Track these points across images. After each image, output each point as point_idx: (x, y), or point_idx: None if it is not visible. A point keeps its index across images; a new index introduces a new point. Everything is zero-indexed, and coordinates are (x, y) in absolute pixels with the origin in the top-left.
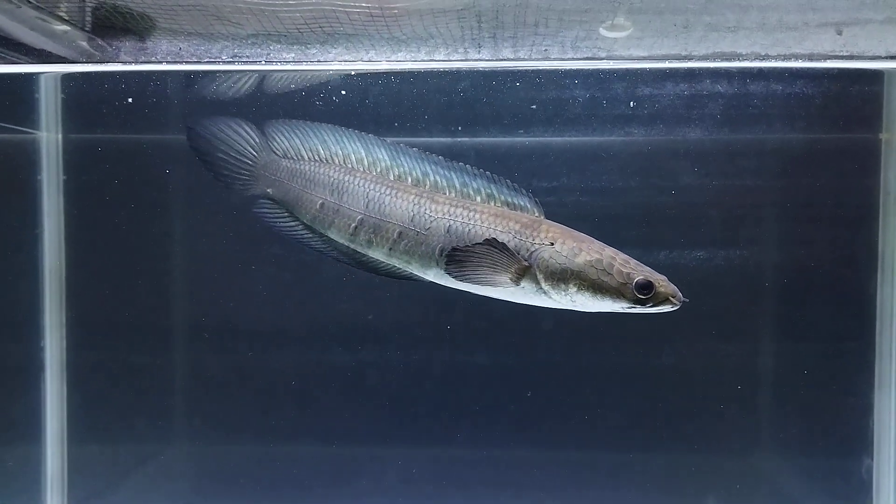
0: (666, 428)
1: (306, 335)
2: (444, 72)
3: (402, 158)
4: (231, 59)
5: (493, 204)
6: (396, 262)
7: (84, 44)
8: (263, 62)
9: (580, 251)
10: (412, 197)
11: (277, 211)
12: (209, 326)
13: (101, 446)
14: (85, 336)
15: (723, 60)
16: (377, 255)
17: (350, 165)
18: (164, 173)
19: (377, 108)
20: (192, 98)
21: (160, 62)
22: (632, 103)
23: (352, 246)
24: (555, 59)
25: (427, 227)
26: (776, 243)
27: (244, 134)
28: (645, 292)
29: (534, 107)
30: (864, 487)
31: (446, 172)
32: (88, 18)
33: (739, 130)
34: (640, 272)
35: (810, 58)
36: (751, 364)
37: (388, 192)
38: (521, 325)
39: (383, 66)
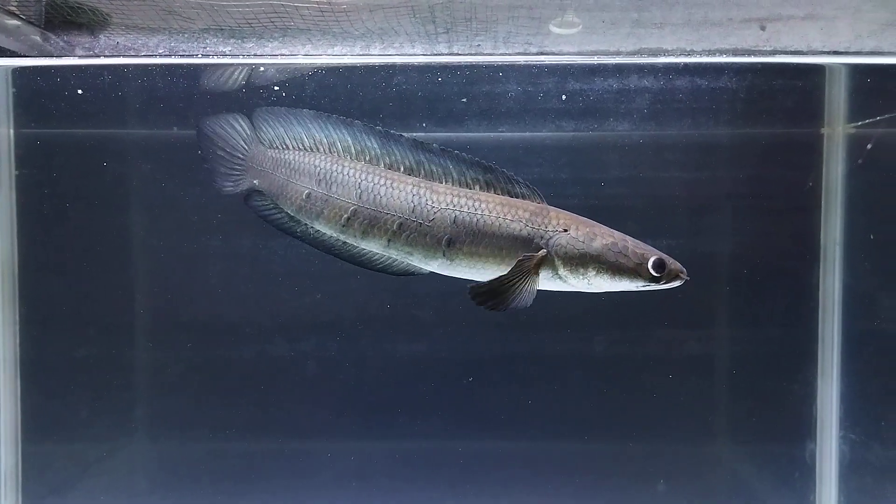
0: (615, 416)
1: (264, 330)
2: (382, 66)
3: (393, 146)
4: (168, 53)
5: (493, 192)
6: (395, 254)
7: (36, 38)
8: (200, 56)
9: (595, 235)
10: (410, 187)
11: (265, 203)
12: (166, 322)
13: (57, 444)
14: (39, 332)
15: (650, 56)
16: (372, 246)
17: (336, 154)
18: (118, 167)
19: (314, 102)
20: (144, 92)
21: (98, 56)
22: (563, 96)
23: (342, 238)
24: (488, 55)
25: (431, 218)
26: (717, 236)
27: (239, 128)
28: (660, 270)
29: (464, 100)
30: (808, 471)
31: (441, 161)
32: (40, 13)
33: (669, 125)
34: (652, 252)
35: (734, 53)
36: (698, 354)
37: (382, 181)
38: (475, 317)
39: (322, 60)
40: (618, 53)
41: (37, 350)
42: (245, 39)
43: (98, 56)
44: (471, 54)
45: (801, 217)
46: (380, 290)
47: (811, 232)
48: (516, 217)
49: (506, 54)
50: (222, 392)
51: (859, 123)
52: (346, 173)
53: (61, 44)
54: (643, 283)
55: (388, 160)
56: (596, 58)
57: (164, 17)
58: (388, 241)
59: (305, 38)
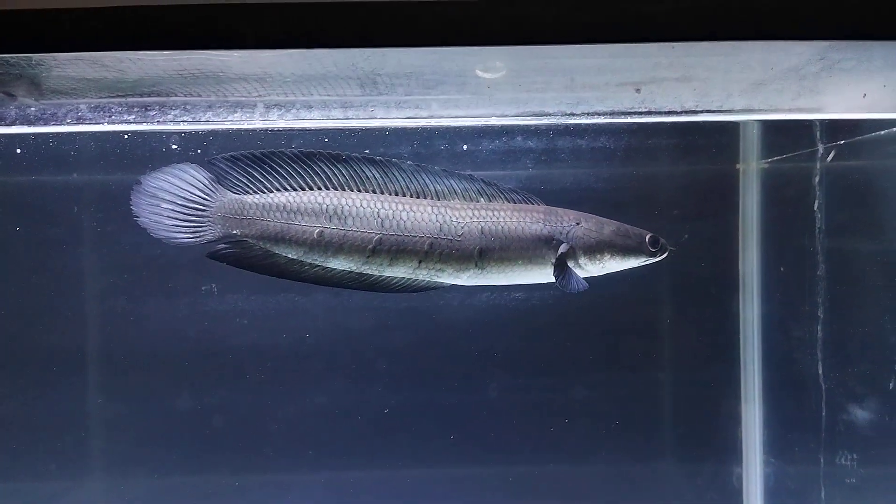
0: (548, 441)
1: (215, 363)
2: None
3: (395, 173)
4: (75, 122)
5: (499, 202)
6: (423, 275)
7: None
8: (105, 123)
9: (602, 224)
10: (430, 208)
11: (245, 251)
12: (114, 357)
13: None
14: None
15: (533, 117)
16: (400, 272)
17: (337, 188)
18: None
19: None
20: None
21: (9, 125)
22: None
23: (364, 269)
24: (380, 119)
25: (459, 233)
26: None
27: (190, 177)
28: (655, 245)
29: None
30: (735, 494)
31: (444, 181)
32: None
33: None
34: (644, 231)
35: (612, 114)
36: (630, 382)
37: (402, 207)
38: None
39: (224, 125)
40: (503, 116)
41: None
42: (149, 108)
43: (10, 126)
44: (364, 118)
45: (721, 248)
46: (344, 312)
47: (731, 262)
48: (535, 219)
49: (398, 118)
50: (172, 429)
51: (771, 160)
52: (360, 205)
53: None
54: (644, 259)
55: (393, 187)
56: (482, 120)
57: (66, 89)
58: (420, 262)
59: (206, 105)
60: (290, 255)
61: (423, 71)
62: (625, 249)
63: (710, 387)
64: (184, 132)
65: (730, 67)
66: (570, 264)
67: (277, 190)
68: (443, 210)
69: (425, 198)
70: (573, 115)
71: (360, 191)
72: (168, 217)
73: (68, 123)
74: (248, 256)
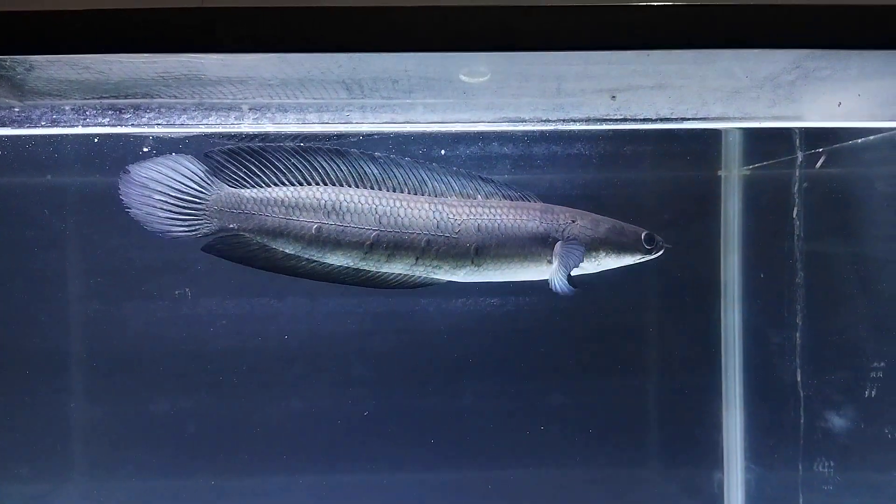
0: (528, 446)
1: (192, 367)
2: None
3: (394, 170)
4: (50, 125)
5: (496, 199)
6: (420, 271)
7: None
8: (80, 126)
9: (598, 221)
10: (427, 204)
11: (241, 245)
12: (88, 361)
13: None
14: None
15: (509, 123)
16: (397, 268)
17: (335, 184)
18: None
19: None
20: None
21: None
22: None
23: (362, 265)
24: (356, 123)
25: (456, 230)
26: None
27: (186, 169)
28: (651, 243)
29: None
30: (717, 499)
31: (442, 178)
32: None
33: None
34: (640, 228)
35: (587, 121)
36: (612, 387)
37: (400, 203)
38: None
39: (199, 129)
40: (479, 122)
41: None
42: (123, 111)
43: None
44: (340, 123)
45: (702, 254)
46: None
47: (713, 268)
48: (531, 216)
49: (374, 123)
50: (153, 432)
51: (753, 167)
52: (358, 201)
53: None
54: (640, 256)
55: (391, 184)
56: (459, 126)
57: (47, 90)
58: (417, 259)
59: (181, 108)
60: (287, 250)
61: (400, 76)
62: (620, 247)
63: (692, 392)
64: (157, 136)
65: (705, 75)
66: None
67: (275, 184)
68: (440, 207)
69: (423, 194)
70: (549, 121)
71: (358, 187)
72: (162, 209)
73: (43, 126)
74: (244, 251)
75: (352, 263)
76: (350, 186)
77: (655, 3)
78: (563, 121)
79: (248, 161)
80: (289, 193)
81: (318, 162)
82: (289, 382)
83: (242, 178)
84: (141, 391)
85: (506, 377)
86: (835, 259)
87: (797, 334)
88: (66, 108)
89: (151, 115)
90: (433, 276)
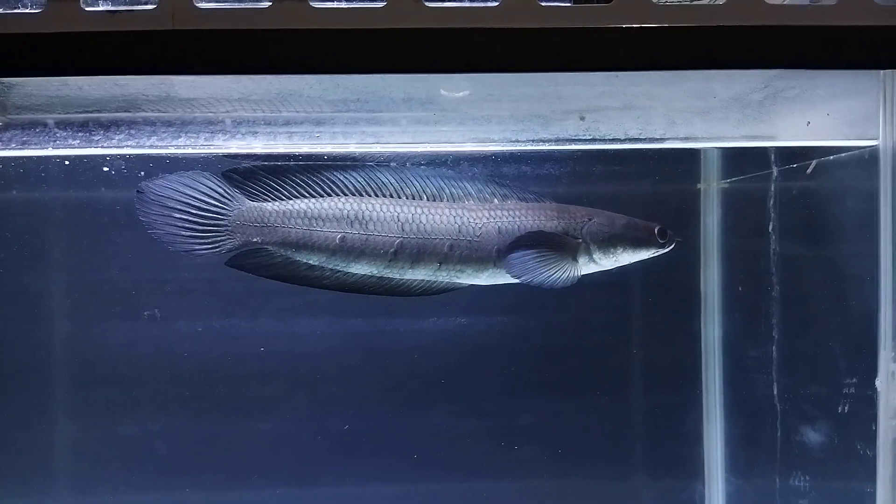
0: (510, 460)
1: (165, 387)
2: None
3: (410, 178)
4: (20, 147)
5: (513, 202)
6: (444, 276)
7: None
8: (50, 147)
9: (613, 218)
10: (448, 210)
11: (265, 259)
12: (59, 380)
13: None
14: None
15: (477, 143)
16: (420, 274)
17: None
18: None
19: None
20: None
21: None
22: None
23: (386, 273)
24: (327, 143)
25: (478, 234)
26: (602, 287)
27: (206, 186)
28: (664, 237)
29: None
30: None
31: (459, 184)
32: None
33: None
34: (652, 223)
35: (556, 142)
36: (593, 400)
37: (421, 210)
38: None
39: (169, 150)
40: (449, 142)
41: None
42: (92, 133)
43: None
44: (310, 144)
45: (682, 267)
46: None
47: (693, 280)
48: (549, 216)
49: (345, 144)
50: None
51: (731, 180)
52: (380, 210)
53: None
54: (654, 251)
55: (409, 191)
56: (428, 146)
57: (17, 112)
58: (440, 264)
59: (151, 130)
60: (311, 262)
61: (368, 97)
62: (636, 242)
63: (674, 404)
64: (128, 156)
65: (673, 96)
66: (583, 259)
67: (295, 197)
68: (460, 212)
69: (441, 200)
70: (518, 141)
71: (377, 196)
72: (185, 228)
73: (13, 148)
74: (268, 264)
75: (376, 272)
76: (371, 196)
77: (623, 26)
78: (533, 141)
79: (266, 176)
80: (311, 205)
81: (336, 174)
82: (262, 401)
83: (263, 192)
84: (112, 411)
85: (491, 393)
86: (809, 274)
87: (773, 348)
88: (37, 129)
89: (121, 136)
90: (456, 280)
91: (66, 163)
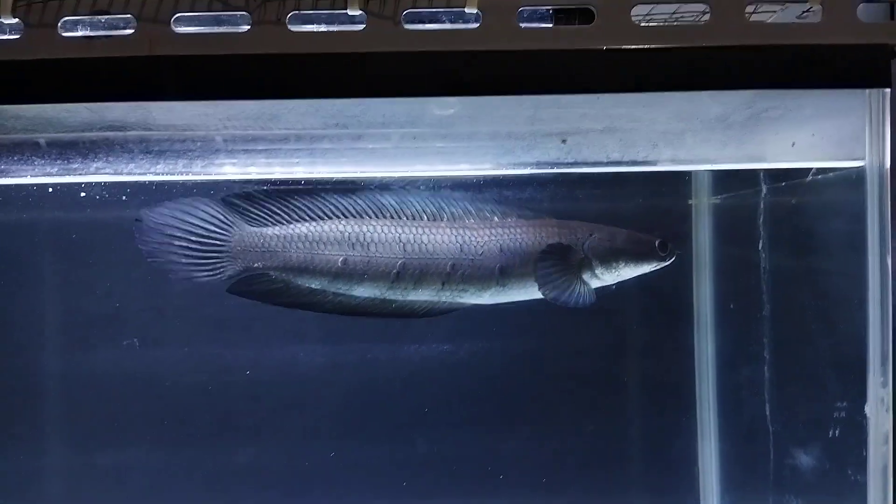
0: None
1: (137, 420)
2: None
3: (411, 199)
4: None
5: (514, 219)
6: (447, 296)
7: None
8: (29, 176)
9: (613, 233)
10: (449, 230)
11: (266, 284)
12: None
13: None
14: None
15: (458, 168)
16: (423, 295)
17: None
18: None
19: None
20: None
21: None
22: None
23: (388, 295)
24: (305, 172)
25: (479, 252)
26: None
27: (204, 213)
28: (664, 250)
29: None
30: None
31: (459, 203)
32: None
33: None
34: (653, 236)
35: (538, 165)
36: (587, 417)
37: (422, 230)
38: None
39: (147, 177)
40: (428, 168)
41: None
42: (70, 160)
43: None
44: (287, 168)
45: (676, 282)
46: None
47: (686, 296)
48: (550, 233)
49: (323, 171)
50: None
51: (722, 196)
52: (382, 231)
53: None
54: (655, 264)
55: (409, 212)
56: (409, 171)
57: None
58: (443, 284)
59: (129, 157)
60: (312, 286)
61: (349, 122)
62: (638, 256)
63: (668, 422)
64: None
65: (655, 118)
66: (585, 275)
67: (295, 221)
68: (462, 231)
69: (442, 220)
70: (499, 164)
71: (378, 217)
72: (185, 255)
73: None
74: (269, 289)
75: (379, 294)
76: (371, 217)
77: (604, 47)
78: (514, 164)
79: (266, 201)
80: (312, 228)
81: (335, 197)
82: (241, 430)
83: (263, 217)
84: (86, 441)
85: (475, 414)
86: (798, 293)
87: (765, 368)
88: (15, 157)
89: (99, 164)
90: (459, 299)
91: (51, 189)
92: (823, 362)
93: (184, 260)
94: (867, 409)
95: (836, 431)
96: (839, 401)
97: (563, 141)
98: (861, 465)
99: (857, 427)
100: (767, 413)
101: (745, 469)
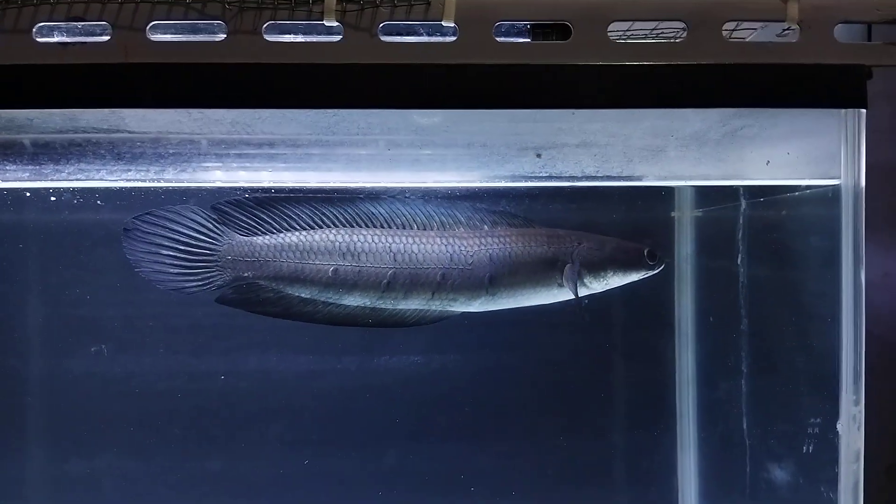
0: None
1: (106, 428)
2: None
3: (400, 207)
4: None
5: (503, 228)
6: (437, 305)
7: None
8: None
9: (603, 242)
10: (439, 239)
11: (256, 294)
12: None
13: None
14: None
15: (433, 181)
16: (414, 304)
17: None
18: None
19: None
20: None
21: None
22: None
23: (379, 304)
24: (274, 181)
25: (469, 262)
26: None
27: (193, 221)
28: (653, 259)
29: None
30: None
31: (448, 211)
32: None
33: None
34: (641, 245)
35: (513, 178)
36: (567, 427)
37: (413, 240)
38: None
39: (119, 183)
40: (402, 181)
41: None
42: (43, 165)
43: None
44: (271, 174)
45: (658, 294)
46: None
47: (667, 308)
48: (539, 242)
49: (297, 180)
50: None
51: (704, 209)
52: (372, 241)
53: None
54: (644, 273)
55: (399, 221)
56: (384, 183)
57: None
58: (433, 293)
59: (101, 163)
60: (303, 295)
61: (323, 131)
62: (626, 264)
63: (648, 434)
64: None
65: (630, 134)
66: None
67: (286, 230)
68: (452, 240)
69: (432, 229)
70: (473, 177)
71: (368, 226)
72: (173, 265)
73: None
74: (259, 299)
75: (369, 303)
76: (362, 227)
77: (581, 63)
78: (490, 177)
79: (256, 210)
80: (303, 238)
81: (325, 206)
82: (216, 437)
83: (252, 226)
84: (50, 452)
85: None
86: (774, 308)
87: (742, 381)
88: None
89: (71, 170)
90: (449, 308)
91: (28, 194)
92: (798, 377)
93: (172, 270)
94: (839, 426)
95: (810, 447)
96: (813, 417)
97: (538, 155)
98: (833, 481)
99: (829, 444)
100: (745, 426)
101: (723, 482)
